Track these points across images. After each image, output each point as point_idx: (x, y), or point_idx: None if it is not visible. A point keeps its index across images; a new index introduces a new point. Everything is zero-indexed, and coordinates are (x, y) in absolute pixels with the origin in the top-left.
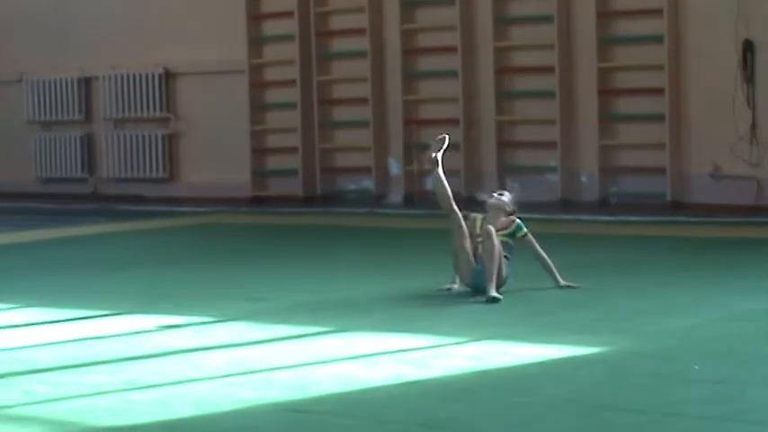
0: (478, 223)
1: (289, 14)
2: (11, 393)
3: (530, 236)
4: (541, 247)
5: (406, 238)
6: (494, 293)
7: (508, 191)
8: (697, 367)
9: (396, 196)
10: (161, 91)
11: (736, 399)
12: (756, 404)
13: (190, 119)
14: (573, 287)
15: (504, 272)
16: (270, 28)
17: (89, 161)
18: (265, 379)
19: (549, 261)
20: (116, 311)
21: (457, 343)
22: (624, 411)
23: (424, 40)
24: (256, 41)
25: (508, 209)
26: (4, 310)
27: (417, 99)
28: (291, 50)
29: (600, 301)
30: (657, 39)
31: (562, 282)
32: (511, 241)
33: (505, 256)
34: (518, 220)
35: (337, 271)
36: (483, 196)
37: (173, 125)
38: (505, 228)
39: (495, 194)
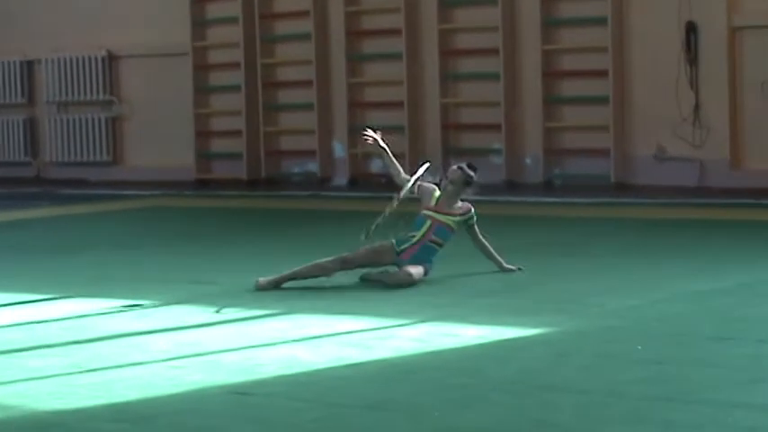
0: (434, 196)
1: None
2: None
3: (475, 225)
4: (486, 230)
5: (351, 221)
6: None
7: (475, 170)
8: (640, 348)
9: (340, 179)
10: (104, 74)
11: (678, 379)
12: (696, 384)
13: (133, 102)
14: (514, 270)
15: (429, 264)
16: (213, 10)
17: (32, 145)
18: (211, 362)
19: (490, 248)
20: (60, 295)
21: (401, 325)
22: (566, 392)
23: (369, 23)
24: (200, 24)
25: (471, 192)
26: None
27: (362, 82)
28: (235, 33)
29: (544, 282)
30: (601, 21)
31: (505, 265)
32: (456, 228)
33: (438, 244)
34: (473, 208)
35: (282, 254)
36: (451, 168)
37: (116, 108)
38: (461, 213)
39: (463, 168)
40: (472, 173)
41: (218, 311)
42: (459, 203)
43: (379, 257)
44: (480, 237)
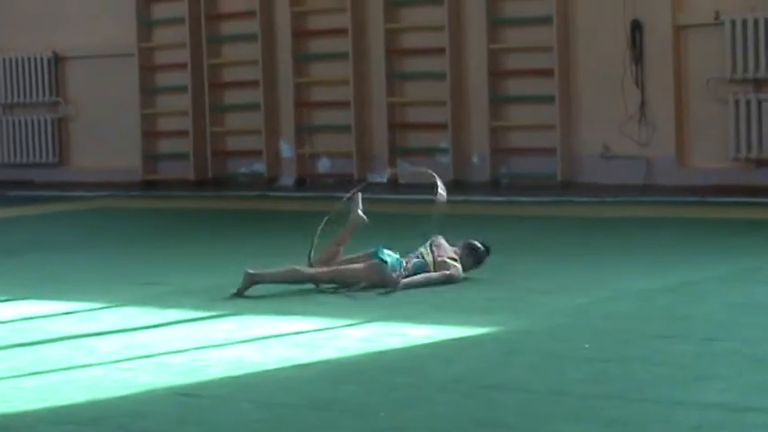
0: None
1: None
2: None
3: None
4: (433, 228)
5: (299, 221)
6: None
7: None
8: (587, 346)
9: (287, 179)
10: (50, 75)
11: (623, 377)
12: (641, 382)
13: (80, 103)
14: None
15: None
16: (159, 11)
17: None
18: (158, 363)
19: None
20: (6, 297)
21: (348, 325)
22: (511, 391)
23: (315, 23)
24: (146, 24)
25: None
26: None
27: (309, 81)
28: (182, 34)
29: (491, 280)
30: (547, 20)
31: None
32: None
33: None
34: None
35: (230, 254)
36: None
37: (62, 109)
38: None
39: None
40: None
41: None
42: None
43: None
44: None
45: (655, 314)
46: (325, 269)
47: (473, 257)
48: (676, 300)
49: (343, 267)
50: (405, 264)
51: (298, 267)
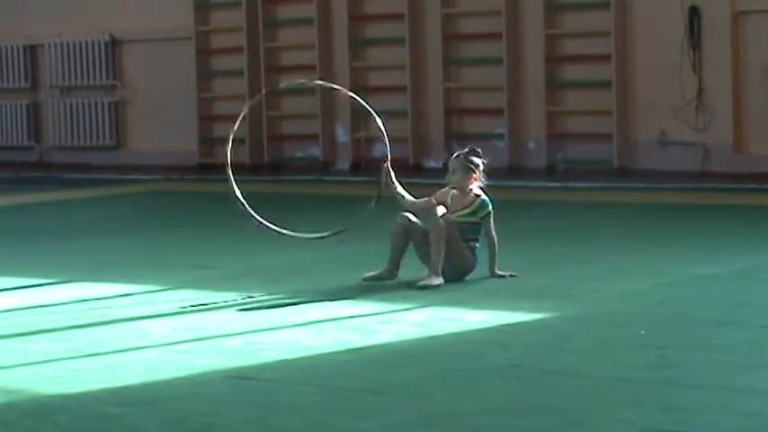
0: (449, 196)
1: None
2: None
3: (491, 216)
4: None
5: (354, 205)
6: (432, 281)
7: (479, 154)
8: (643, 333)
9: (343, 163)
10: (107, 58)
11: (680, 364)
12: (698, 369)
13: (136, 86)
14: (506, 277)
15: (472, 258)
16: None
17: (35, 129)
18: (213, 346)
19: (496, 247)
20: (63, 280)
21: (403, 309)
22: (568, 376)
23: (370, 8)
24: (203, 8)
25: (476, 178)
26: None
27: (365, 66)
28: (238, 17)
29: (547, 267)
30: (604, 5)
31: (497, 271)
32: (475, 219)
33: (473, 240)
34: (482, 196)
35: (284, 238)
36: (454, 156)
37: (119, 93)
38: (467, 206)
39: (464, 155)
40: (473, 157)
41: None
42: (473, 194)
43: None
44: (490, 232)
45: (712, 301)
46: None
47: (463, 167)
48: (733, 287)
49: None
50: None
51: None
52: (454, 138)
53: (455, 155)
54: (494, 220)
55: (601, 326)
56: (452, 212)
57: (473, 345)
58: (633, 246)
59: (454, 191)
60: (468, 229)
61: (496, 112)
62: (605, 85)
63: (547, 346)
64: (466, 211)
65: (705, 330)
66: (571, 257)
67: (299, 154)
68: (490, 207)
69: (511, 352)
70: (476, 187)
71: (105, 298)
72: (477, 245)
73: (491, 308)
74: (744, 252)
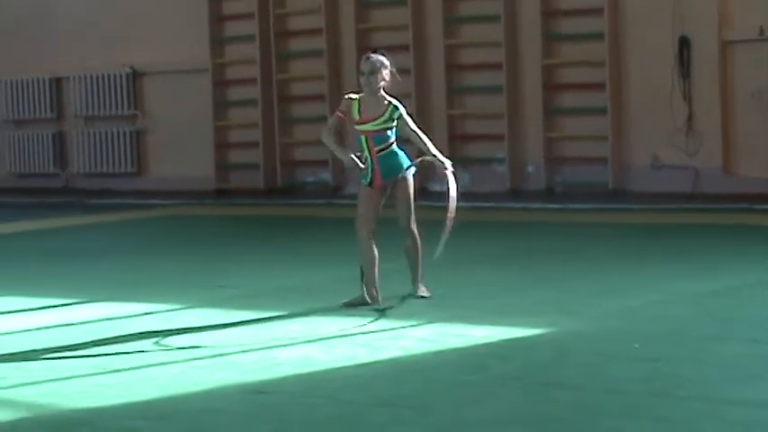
0: (354, 107)
1: (249, 16)
2: None
3: (404, 116)
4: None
5: None
6: (421, 292)
7: (386, 56)
8: (637, 346)
9: (352, 187)
10: (128, 90)
11: (673, 376)
12: (689, 381)
13: (156, 116)
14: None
15: (401, 161)
16: (231, 29)
17: (61, 157)
18: (229, 361)
19: (423, 138)
20: (88, 299)
21: (410, 326)
22: (568, 389)
23: (378, 41)
24: (219, 42)
25: (385, 76)
26: None
27: None
28: (252, 50)
29: (546, 284)
30: (599, 36)
31: (440, 157)
32: (391, 125)
33: (389, 144)
34: (393, 102)
35: (297, 259)
36: None
37: (140, 122)
38: (379, 115)
39: (374, 55)
40: (380, 57)
41: None
42: (385, 101)
43: (373, 202)
44: (410, 128)
45: (703, 317)
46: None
47: (368, 68)
48: (723, 302)
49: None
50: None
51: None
52: (458, 162)
53: (365, 56)
54: (410, 118)
55: (597, 340)
56: (366, 121)
57: (476, 358)
58: (628, 264)
59: (362, 95)
60: (383, 136)
61: (497, 137)
62: (600, 111)
63: (546, 359)
64: (380, 119)
65: (696, 345)
66: (569, 275)
67: (310, 179)
68: (401, 108)
69: (512, 365)
70: (383, 92)
71: (127, 316)
72: (399, 146)
73: (493, 323)
74: (733, 270)
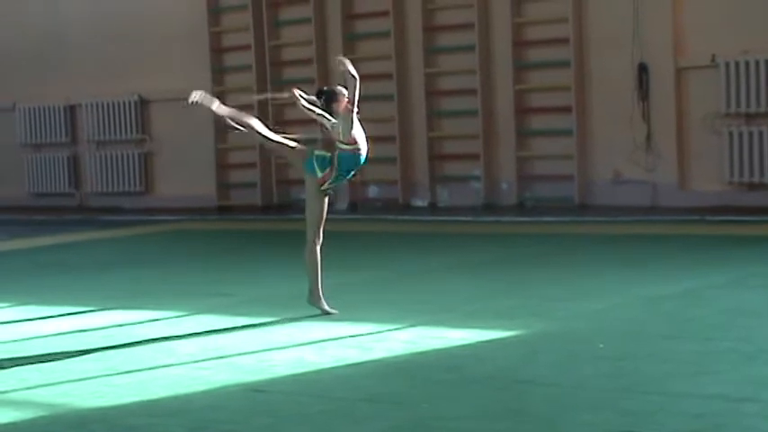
0: (339, 129)
1: (246, 47)
2: (7, 380)
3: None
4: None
5: (351, 240)
6: (325, 307)
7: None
8: (602, 346)
9: (342, 204)
10: (136, 116)
11: (634, 373)
12: (650, 377)
13: (162, 139)
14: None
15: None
16: (230, 59)
17: (75, 178)
18: (230, 363)
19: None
20: (100, 307)
21: (395, 329)
22: (538, 385)
23: (367, 68)
24: (219, 71)
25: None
26: (6, 307)
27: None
28: (249, 78)
29: (518, 289)
30: (565, 64)
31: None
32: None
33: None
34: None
35: (291, 269)
36: None
37: (147, 145)
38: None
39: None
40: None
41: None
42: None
43: (294, 155)
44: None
45: (661, 318)
46: (275, 137)
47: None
48: (680, 305)
49: (284, 142)
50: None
51: (256, 122)
52: (438, 180)
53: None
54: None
55: (566, 340)
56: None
57: (455, 359)
58: (592, 271)
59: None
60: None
61: (474, 156)
62: (567, 133)
63: (519, 358)
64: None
65: (656, 343)
66: (539, 281)
67: (303, 196)
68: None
69: (488, 365)
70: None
71: (137, 323)
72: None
73: (470, 327)
74: (688, 275)
